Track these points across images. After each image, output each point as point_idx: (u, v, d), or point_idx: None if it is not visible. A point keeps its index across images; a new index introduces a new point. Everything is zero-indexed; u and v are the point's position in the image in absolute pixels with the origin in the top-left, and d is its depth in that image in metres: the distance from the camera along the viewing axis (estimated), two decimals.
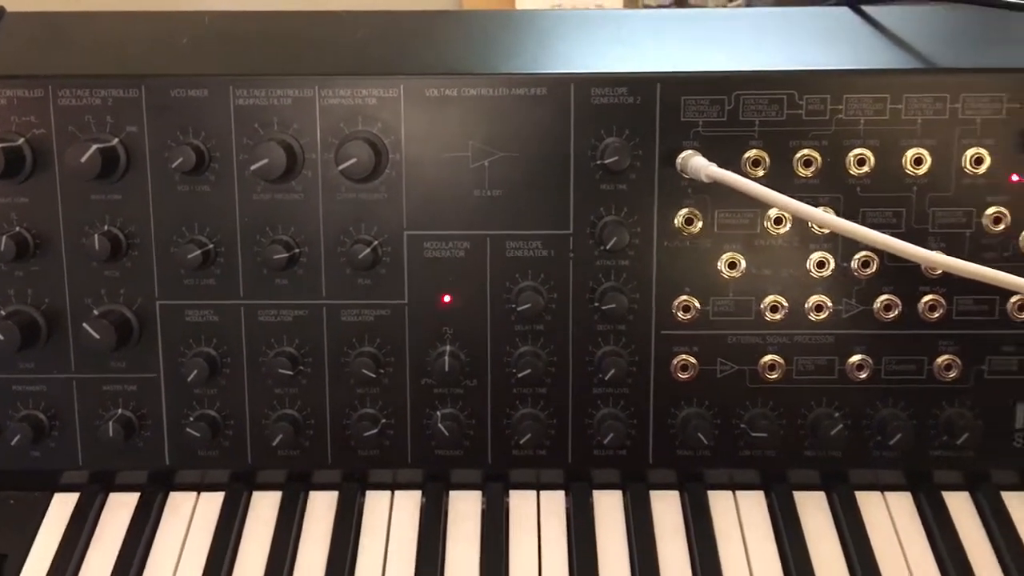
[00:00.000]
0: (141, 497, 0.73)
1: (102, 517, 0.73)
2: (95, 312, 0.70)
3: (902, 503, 0.71)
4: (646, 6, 1.89)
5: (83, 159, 0.66)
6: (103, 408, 0.72)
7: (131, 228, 0.69)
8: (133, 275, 0.70)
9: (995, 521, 0.69)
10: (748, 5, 1.86)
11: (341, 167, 0.66)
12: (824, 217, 0.62)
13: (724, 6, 1.89)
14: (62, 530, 0.71)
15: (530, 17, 0.81)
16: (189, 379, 0.70)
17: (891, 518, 0.71)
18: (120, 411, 0.71)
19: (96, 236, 0.68)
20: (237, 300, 0.70)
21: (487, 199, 0.69)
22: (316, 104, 0.68)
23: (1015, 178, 0.68)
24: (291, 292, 0.70)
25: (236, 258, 0.70)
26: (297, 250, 0.69)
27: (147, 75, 0.68)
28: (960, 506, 0.71)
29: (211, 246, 0.69)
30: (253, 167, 0.66)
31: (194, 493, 0.74)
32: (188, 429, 0.70)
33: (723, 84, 0.67)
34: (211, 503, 0.73)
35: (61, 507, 0.73)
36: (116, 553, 0.70)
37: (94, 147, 0.66)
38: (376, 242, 0.69)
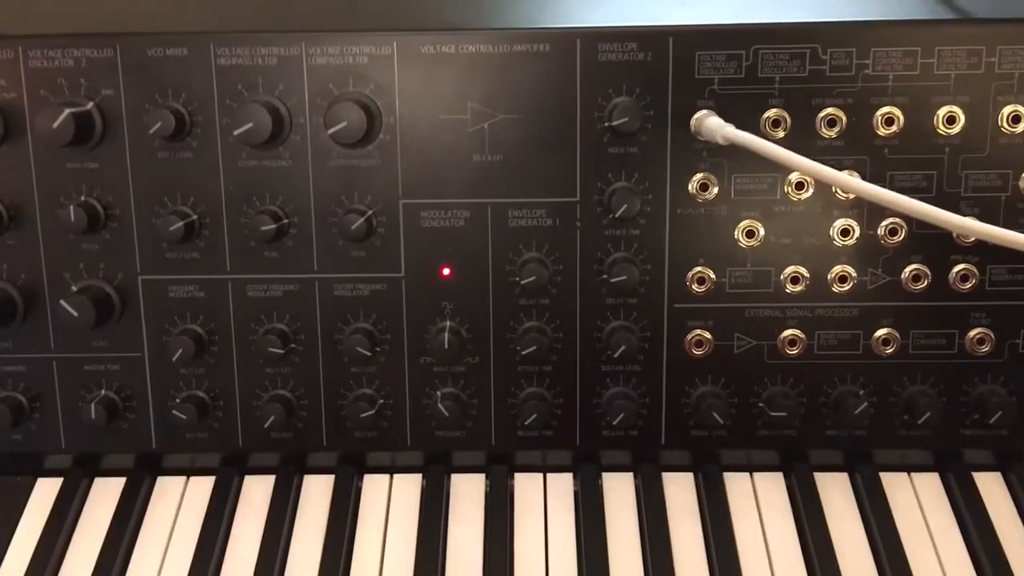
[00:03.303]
0: (127, 482, 0.70)
1: (87, 502, 0.70)
2: (73, 288, 0.66)
3: (930, 484, 0.68)
4: None
5: (55, 125, 0.62)
6: (85, 389, 0.68)
7: (109, 198, 0.65)
8: (113, 248, 0.66)
9: None
10: None
11: (331, 131, 0.62)
12: (849, 182, 0.58)
13: None
14: (45, 516, 0.68)
15: None
16: (174, 359, 0.66)
17: (918, 500, 0.67)
18: (103, 392, 0.68)
19: (72, 207, 0.64)
20: (224, 275, 0.66)
21: (487, 165, 0.64)
22: (303, 63, 0.63)
23: None
24: (281, 265, 0.66)
25: (222, 230, 0.66)
26: (286, 221, 0.65)
27: (122, 33, 0.64)
28: (992, 487, 0.68)
29: (195, 217, 0.65)
30: (236, 131, 0.62)
31: (183, 478, 0.71)
32: (174, 411, 0.67)
33: (740, 38, 0.62)
34: (201, 488, 0.70)
35: (44, 492, 0.70)
36: (102, 540, 0.67)
37: (67, 111, 0.62)
38: (370, 212, 0.65)
